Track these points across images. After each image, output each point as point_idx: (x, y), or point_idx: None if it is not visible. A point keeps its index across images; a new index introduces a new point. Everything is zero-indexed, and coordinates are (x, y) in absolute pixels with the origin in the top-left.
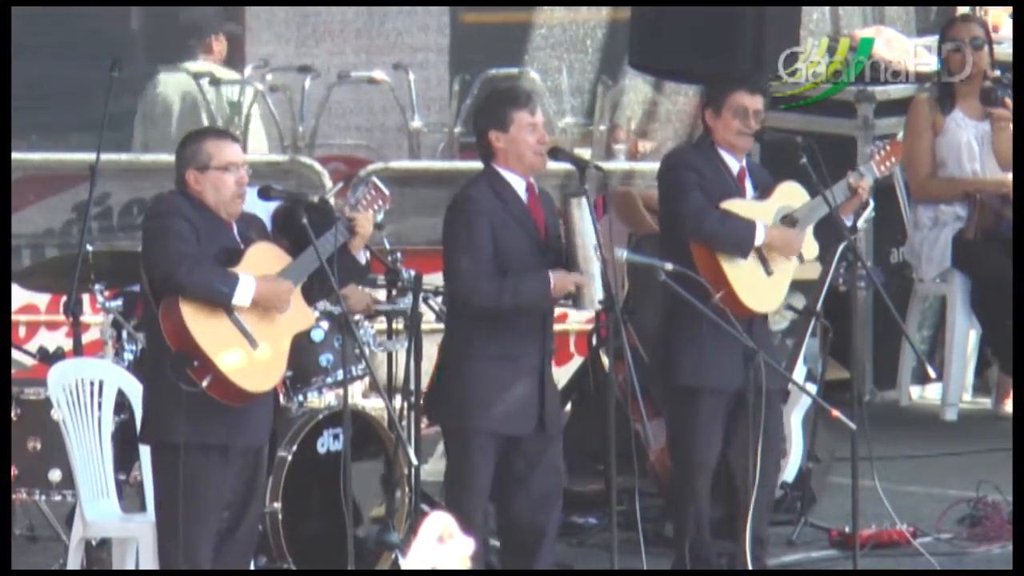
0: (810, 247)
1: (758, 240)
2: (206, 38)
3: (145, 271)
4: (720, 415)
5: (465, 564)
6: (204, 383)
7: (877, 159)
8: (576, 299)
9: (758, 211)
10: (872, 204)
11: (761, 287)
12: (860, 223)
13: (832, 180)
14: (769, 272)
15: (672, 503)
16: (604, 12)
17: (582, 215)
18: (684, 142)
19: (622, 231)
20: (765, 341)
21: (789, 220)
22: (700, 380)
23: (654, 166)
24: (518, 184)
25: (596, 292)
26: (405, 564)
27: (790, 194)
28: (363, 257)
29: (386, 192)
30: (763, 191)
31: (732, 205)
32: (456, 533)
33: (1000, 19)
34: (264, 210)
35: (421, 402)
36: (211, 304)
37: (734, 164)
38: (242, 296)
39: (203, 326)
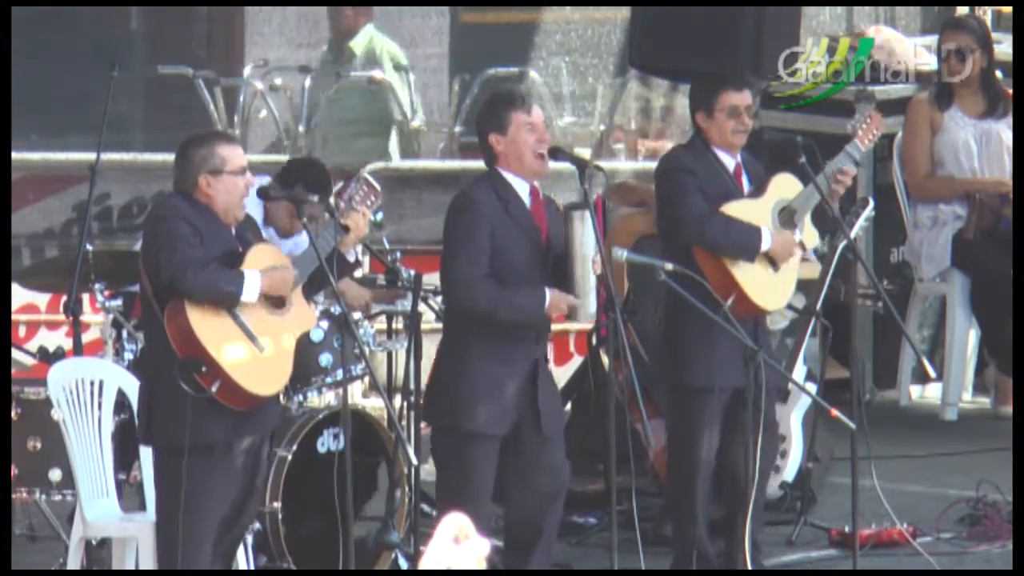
0: (810, 236)
1: (764, 246)
2: None
3: (148, 275)
4: (720, 414)
5: (481, 565)
6: (213, 388)
7: (860, 134)
8: (569, 316)
9: (756, 208)
10: (872, 204)
11: (770, 284)
12: (860, 222)
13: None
14: (776, 268)
15: (674, 503)
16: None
17: (584, 227)
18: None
19: (624, 232)
20: (766, 341)
21: (787, 212)
22: (711, 380)
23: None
24: (521, 188)
25: (590, 308)
26: (422, 565)
27: (784, 186)
28: (352, 255)
29: (377, 187)
30: (758, 187)
31: (731, 207)
32: (472, 534)
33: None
34: (256, 206)
35: (420, 402)
36: (219, 306)
37: (730, 162)
38: (250, 292)
39: (209, 330)
